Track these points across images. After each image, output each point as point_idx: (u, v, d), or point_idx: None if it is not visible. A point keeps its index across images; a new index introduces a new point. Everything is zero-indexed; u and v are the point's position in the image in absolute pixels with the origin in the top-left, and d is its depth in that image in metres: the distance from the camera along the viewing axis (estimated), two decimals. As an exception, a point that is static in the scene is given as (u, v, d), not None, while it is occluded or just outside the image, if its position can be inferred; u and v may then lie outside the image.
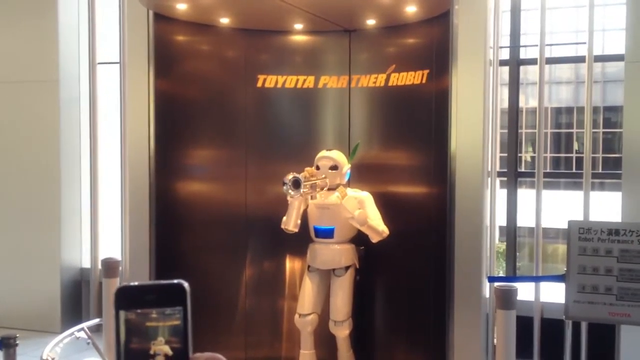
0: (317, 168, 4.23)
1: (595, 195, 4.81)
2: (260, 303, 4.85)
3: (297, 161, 4.35)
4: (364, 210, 4.11)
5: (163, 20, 4.44)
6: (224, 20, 4.60)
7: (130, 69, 4.77)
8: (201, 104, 4.71)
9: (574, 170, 13.04)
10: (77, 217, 6.04)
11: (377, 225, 4.13)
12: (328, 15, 4.42)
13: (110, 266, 4.18)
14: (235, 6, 4.37)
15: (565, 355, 4.50)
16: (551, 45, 9.69)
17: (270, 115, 4.85)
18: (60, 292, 5.91)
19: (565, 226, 3.52)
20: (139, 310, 0.73)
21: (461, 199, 4.08)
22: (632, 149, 4.50)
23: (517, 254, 5.92)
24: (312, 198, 4.15)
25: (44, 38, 5.87)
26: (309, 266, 4.38)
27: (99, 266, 5.15)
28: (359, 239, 4.34)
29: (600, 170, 12.18)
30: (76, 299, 6.08)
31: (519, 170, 5.30)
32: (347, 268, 4.32)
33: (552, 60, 7.68)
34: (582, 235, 3.47)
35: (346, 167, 4.29)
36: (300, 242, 4.40)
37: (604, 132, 13.83)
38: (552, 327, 4.51)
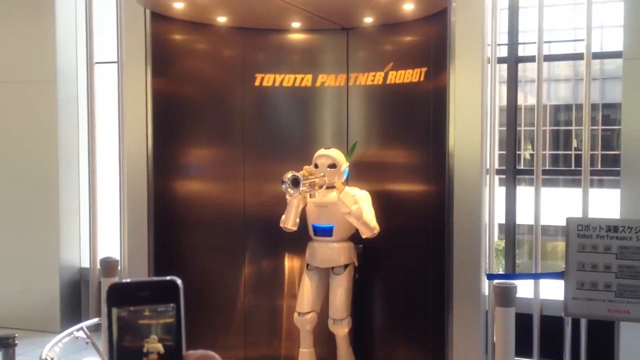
0: (316, 166, 4.22)
1: (594, 193, 4.81)
2: (259, 302, 4.85)
3: (295, 160, 4.34)
4: (359, 206, 4.11)
5: (160, 19, 4.44)
6: (221, 19, 4.60)
7: (127, 68, 4.76)
8: (199, 103, 4.70)
9: (572, 168, 13.04)
10: (76, 217, 6.04)
11: (369, 221, 4.14)
12: (325, 13, 4.41)
13: (109, 266, 4.18)
14: (233, 5, 4.37)
15: (564, 353, 4.50)
16: (549, 42, 9.70)
17: (268, 114, 4.84)
18: (59, 291, 5.91)
19: (564, 223, 3.52)
20: (131, 308, 0.72)
21: (460, 196, 4.08)
22: (630, 146, 4.50)
23: (517, 251, 5.92)
24: (310, 196, 4.15)
25: (41, 38, 5.86)
26: (307, 265, 4.37)
27: (98, 266, 5.14)
28: (358, 237, 4.34)
29: (599, 168, 12.18)
30: (75, 298, 6.08)
31: (517, 167, 5.30)
32: (346, 266, 4.32)
33: (550, 58, 7.67)
34: (581, 232, 3.46)
35: (344, 165, 4.29)
36: (299, 240, 4.40)
37: (602, 130, 13.83)
38: (552, 325, 4.51)
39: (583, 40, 4.56)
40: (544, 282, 4.61)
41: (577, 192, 4.63)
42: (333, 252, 4.30)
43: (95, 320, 4.76)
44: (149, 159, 4.44)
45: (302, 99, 4.79)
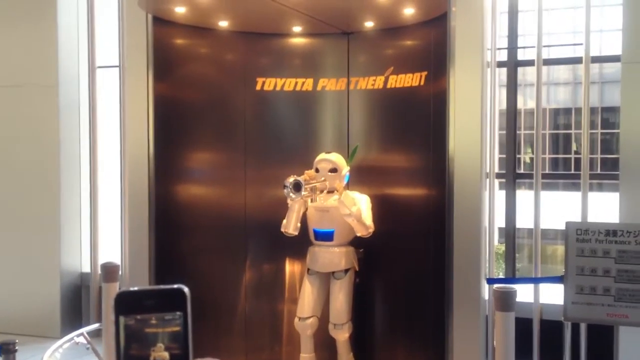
0: (317, 171, 4.23)
1: (594, 196, 4.82)
2: (260, 306, 4.85)
3: (296, 164, 4.36)
4: (359, 207, 4.13)
5: (162, 23, 4.45)
6: (223, 24, 4.61)
7: (129, 72, 4.78)
8: (200, 107, 4.71)
9: (572, 171, 13.04)
10: (77, 221, 6.04)
11: (365, 219, 4.16)
12: (326, 17, 4.42)
13: (109, 270, 4.18)
14: (234, 9, 4.38)
15: (564, 357, 4.50)
16: (549, 46, 9.71)
17: (269, 118, 4.85)
18: (60, 296, 5.91)
19: (564, 227, 3.53)
20: (138, 316, 0.72)
21: (460, 200, 4.09)
22: (629, 149, 4.51)
23: (517, 255, 5.92)
24: (312, 201, 4.16)
25: (43, 42, 5.87)
26: (308, 269, 4.38)
27: (99, 270, 5.14)
28: (358, 242, 4.34)
29: (598, 171, 12.18)
30: (76, 303, 6.08)
31: (517, 171, 5.30)
32: (346, 271, 4.32)
33: (549, 62, 7.68)
34: (580, 237, 3.47)
35: (345, 169, 4.30)
36: (299, 245, 4.40)
37: (602, 133, 13.83)
38: (551, 329, 4.51)
39: (582, 44, 4.58)
40: (544, 286, 4.61)
41: (576, 195, 4.64)
42: (334, 256, 4.30)
43: (95, 325, 4.76)
44: (150, 163, 4.45)
45: (303, 103, 4.80)
